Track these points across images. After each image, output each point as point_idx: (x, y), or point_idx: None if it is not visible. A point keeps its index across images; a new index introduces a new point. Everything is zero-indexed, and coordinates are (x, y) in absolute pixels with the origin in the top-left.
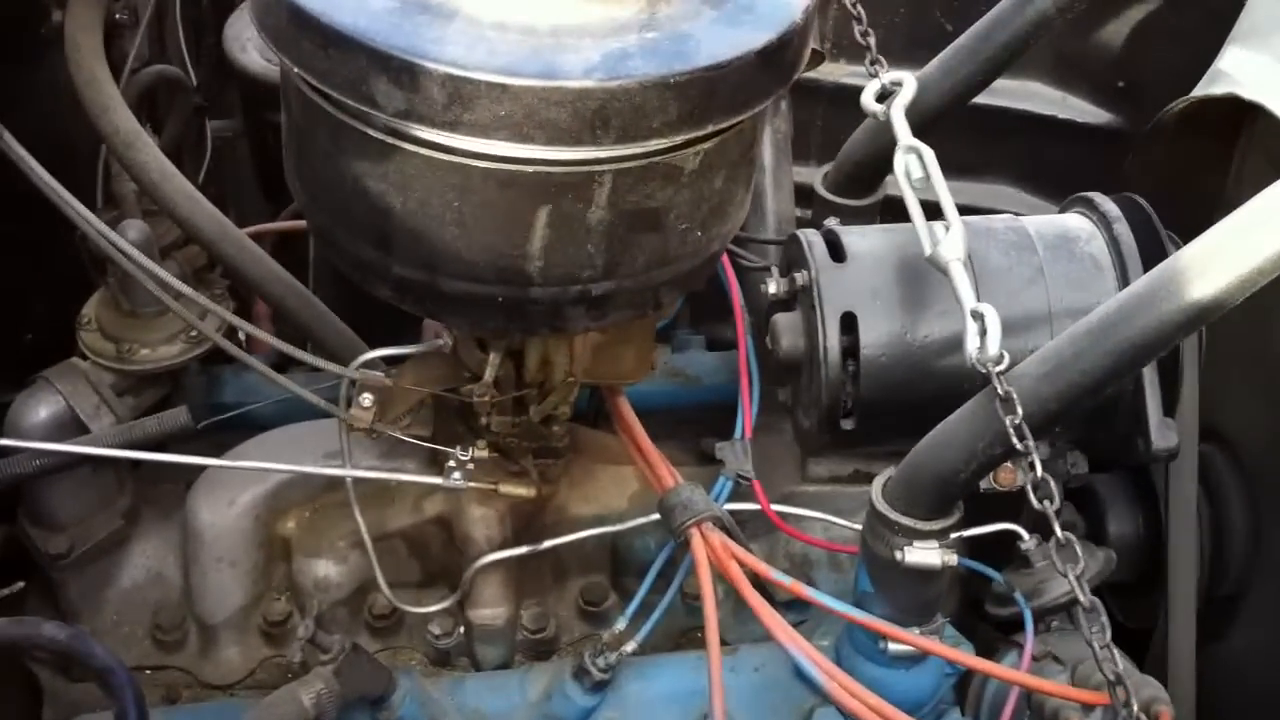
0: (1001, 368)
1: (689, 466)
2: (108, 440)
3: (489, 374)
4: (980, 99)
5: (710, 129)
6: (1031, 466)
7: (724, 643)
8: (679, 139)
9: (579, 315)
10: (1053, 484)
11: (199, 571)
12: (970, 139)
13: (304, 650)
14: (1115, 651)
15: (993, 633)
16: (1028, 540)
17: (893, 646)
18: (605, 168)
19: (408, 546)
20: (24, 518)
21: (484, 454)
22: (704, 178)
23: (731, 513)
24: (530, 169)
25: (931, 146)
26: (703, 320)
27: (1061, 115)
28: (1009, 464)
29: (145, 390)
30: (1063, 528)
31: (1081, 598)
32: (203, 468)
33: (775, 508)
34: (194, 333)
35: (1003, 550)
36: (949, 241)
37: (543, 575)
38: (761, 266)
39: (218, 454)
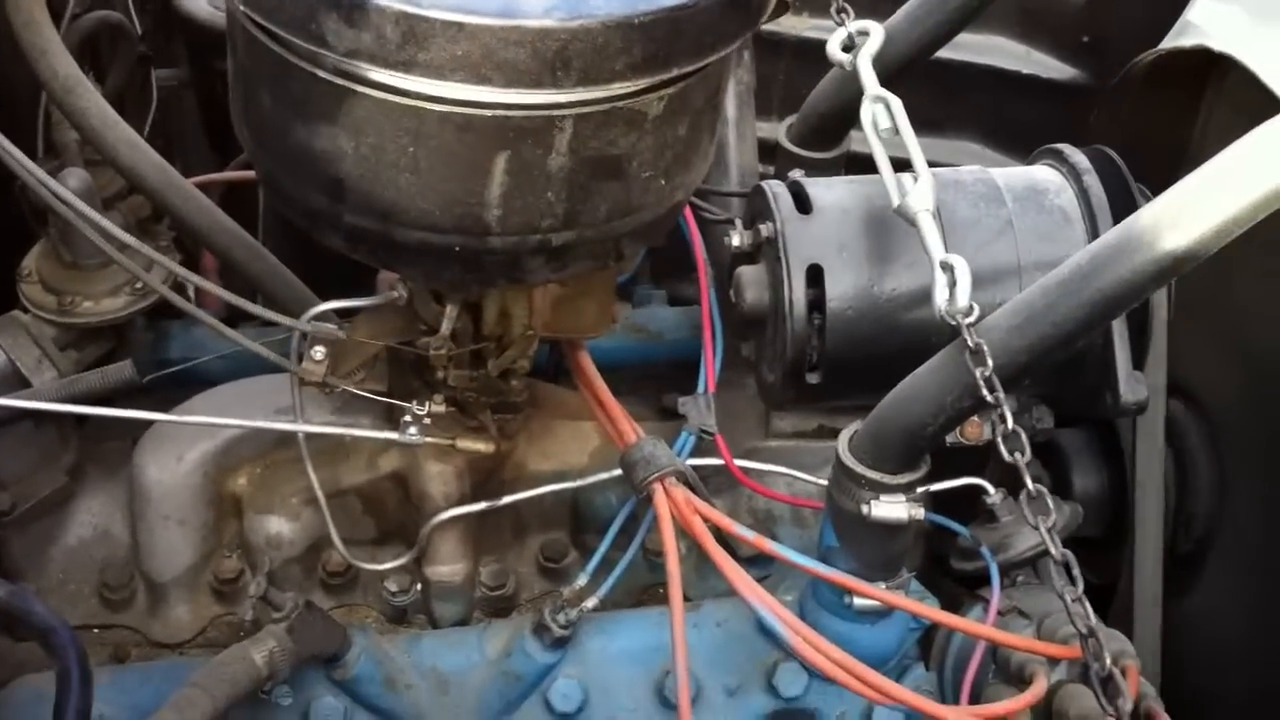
0: (971, 320)
1: (651, 422)
2: (49, 394)
3: (445, 327)
4: (944, 53)
5: (675, 73)
6: (1002, 419)
7: (686, 599)
8: (642, 83)
9: (538, 266)
10: (1023, 436)
11: (146, 529)
12: (934, 94)
13: (255, 608)
14: (1087, 605)
15: (958, 588)
16: (993, 494)
17: (858, 601)
18: (566, 112)
19: (363, 503)
20: None
21: (440, 409)
22: (668, 124)
23: (694, 468)
24: (488, 113)
25: (898, 98)
26: (665, 276)
27: (1025, 70)
28: (976, 418)
29: (89, 345)
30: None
31: (1053, 550)
32: (149, 423)
33: (738, 462)
34: (139, 285)
35: (967, 505)
36: (917, 192)
37: (502, 532)
38: (724, 220)
39: (166, 410)
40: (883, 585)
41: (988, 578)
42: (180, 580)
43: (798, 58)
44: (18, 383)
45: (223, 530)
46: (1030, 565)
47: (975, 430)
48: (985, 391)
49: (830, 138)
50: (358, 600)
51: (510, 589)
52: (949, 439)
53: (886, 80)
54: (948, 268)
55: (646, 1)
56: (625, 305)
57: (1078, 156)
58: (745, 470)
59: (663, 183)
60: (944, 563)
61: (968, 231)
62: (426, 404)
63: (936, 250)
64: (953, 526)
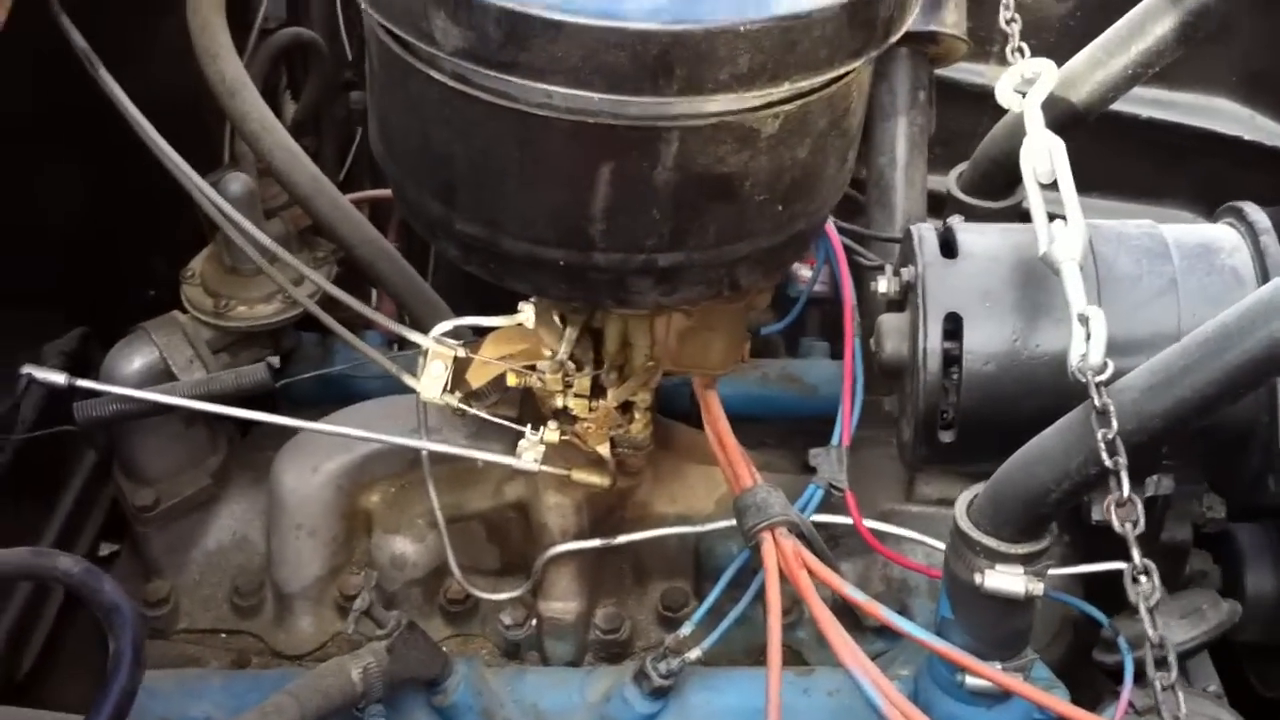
0: (1102, 378)
1: (786, 475)
2: (183, 390)
3: (563, 350)
4: (1159, 113)
5: (787, 88)
6: (1118, 484)
7: (802, 663)
8: (752, 96)
9: (646, 288)
10: (1139, 506)
11: (279, 538)
12: (1147, 157)
13: (358, 623)
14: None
15: (1109, 683)
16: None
17: (970, 680)
18: (672, 124)
19: (487, 531)
20: (117, 470)
21: (554, 436)
22: (785, 145)
23: (824, 526)
24: (591, 120)
25: (1084, 151)
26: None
27: (1249, 136)
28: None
29: (243, 350)
30: (1190, 578)
31: (1134, 557)
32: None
33: (868, 524)
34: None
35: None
36: (1065, 239)
37: (623, 576)
38: (879, 265)
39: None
40: (999, 665)
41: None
42: (307, 592)
43: (977, 106)
44: (168, 380)
45: (353, 546)
46: (1180, 664)
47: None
48: (1105, 455)
49: (1002, 186)
50: (475, 631)
51: (625, 634)
52: (1095, 517)
53: (1062, 125)
54: (1084, 320)
55: (757, 9)
56: (780, 359)
57: (1258, 215)
58: (877, 534)
59: (779, 208)
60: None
61: (1126, 288)
62: (541, 430)
63: (1076, 301)
64: (1090, 612)
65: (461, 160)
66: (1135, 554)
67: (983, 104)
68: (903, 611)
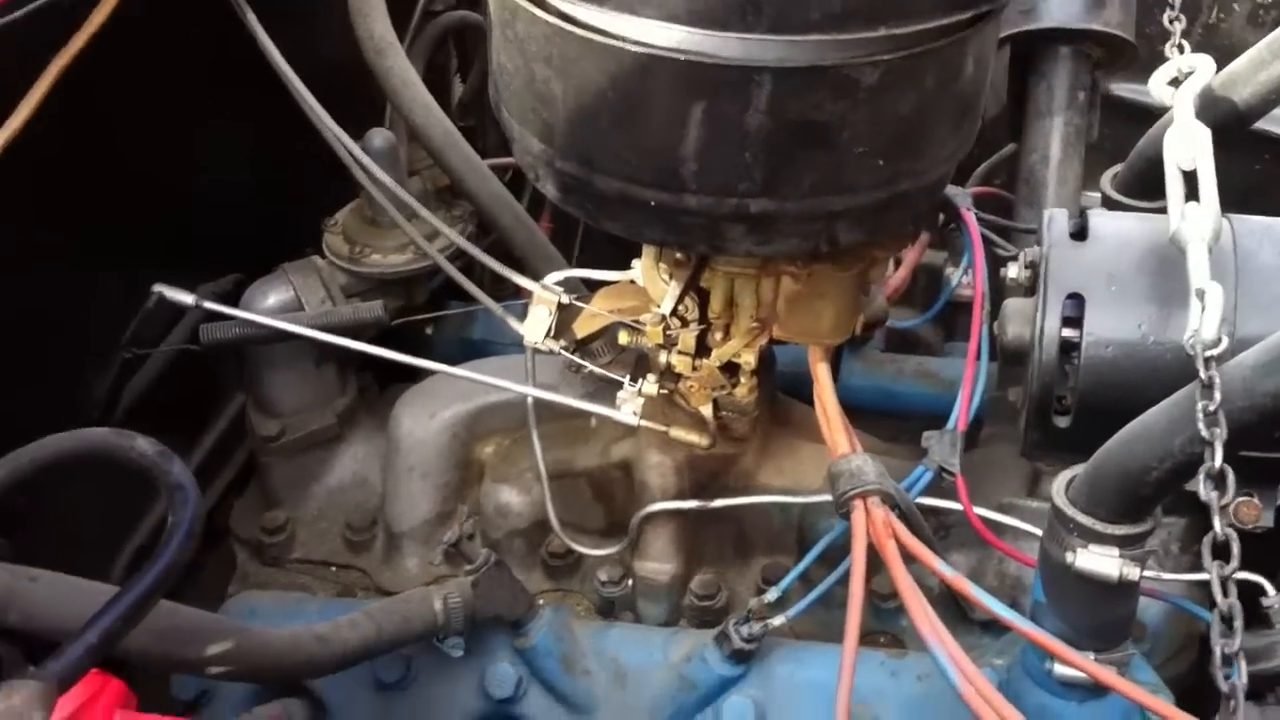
0: (1213, 352)
1: (903, 461)
2: (304, 320)
3: (666, 304)
4: None
5: (883, 33)
6: (1212, 455)
7: (898, 645)
8: (849, 40)
9: (739, 235)
10: (1230, 477)
11: (393, 477)
12: None
13: (446, 555)
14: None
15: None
16: (1272, 595)
17: (1058, 669)
18: (765, 64)
19: (593, 490)
20: (249, 401)
21: (653, 389)
22: (887, 97)
23: (934, 512)
24: (682, 58)
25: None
26: None
27: None
28: (1253, 498)
29: (375, 297)
30: None
31: (1215, 525)
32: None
33: (979, 511)
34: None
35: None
36: (1194, 218)
37: (724, 545)
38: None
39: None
40: (1091, 656)
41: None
42: (415, 533)
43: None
44: None
45: (465, 495)
46: None
47: (1251, 512)
48: (1203, 425)
49: (1158, 187)
50: (574, 587)
51: (720, 602)
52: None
53: (1223, 124)
54: (1201, 295)
55: None
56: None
57: None
58: (991, 525)
59: (880, 163)
60: None
61: (1265, 280)
62: (640, 382)
63: (1196, 278)
64: (1198, 613)
65: (559, 98)
66: (1217, 522)
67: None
68: (1014, 608)
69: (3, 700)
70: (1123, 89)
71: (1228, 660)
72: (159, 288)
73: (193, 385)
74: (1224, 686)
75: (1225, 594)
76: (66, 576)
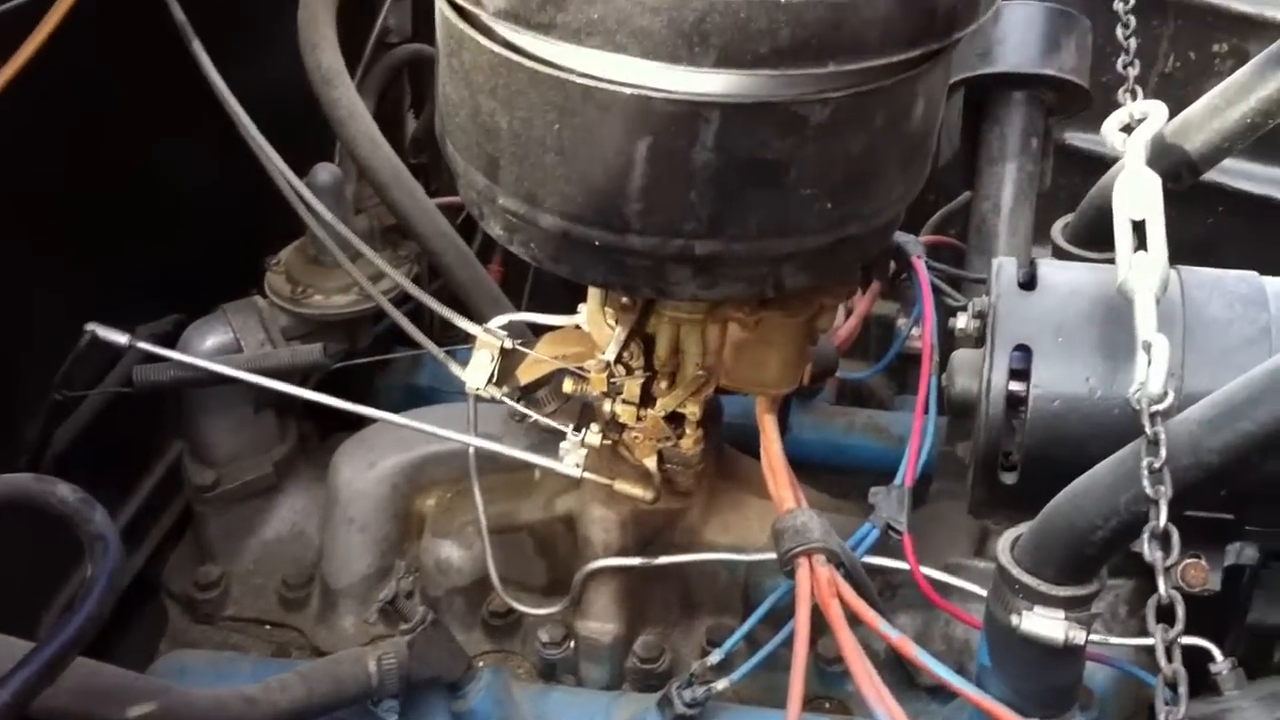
0: (1159, 407)
1: (850, 517)
2: (240, 363)
3: (611, 350)
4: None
5: (832, 69)
6: (1157, 514)
7: (844, 711)
8: (795, 74)
9: (684, 278)
10: (1174, 537)
11: (330, 530)
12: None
13: (381, 615)
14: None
15: None
16: (1220, 662)
17: None
18: (712, 99)
19: (535, 544)
20: (185, 450)
21: (595, 439)
22: (836, 136)
23: (880, 572)
24: (629, 91)
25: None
26: None
27: None
28: (1200, 559)
29: (316, 340)
30: None
31: (1160, 587)
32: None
33: (926, 571)
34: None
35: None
36: (1142, 268)
37: (669, 606)
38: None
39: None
40: None
41: None
42: (352, 590)
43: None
44: None
45: (404, 549)
46: None
47: (1198, 575)
48: (1147, 482)
49: (1108, 237)
50: (515, 648)
51: (664, 665)
52: (1165, 585)
53: (1175, 173)
54: (1147, 347)
55: None
56: (868, 410)
57: None
58: (938, 586)
59: (828, 205)
60: None
61: (1213, 332)
62: (583, 431)
63: (1143, 329)
64: (1143, 677)
65: (506, 131)
66: (1161, 584)
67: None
68: (960, 673)
69: None
70: (1077, 138)
71: None
72: (92, 326)
73: (128, 431)
74: None
75: (1170, 659)
76: None
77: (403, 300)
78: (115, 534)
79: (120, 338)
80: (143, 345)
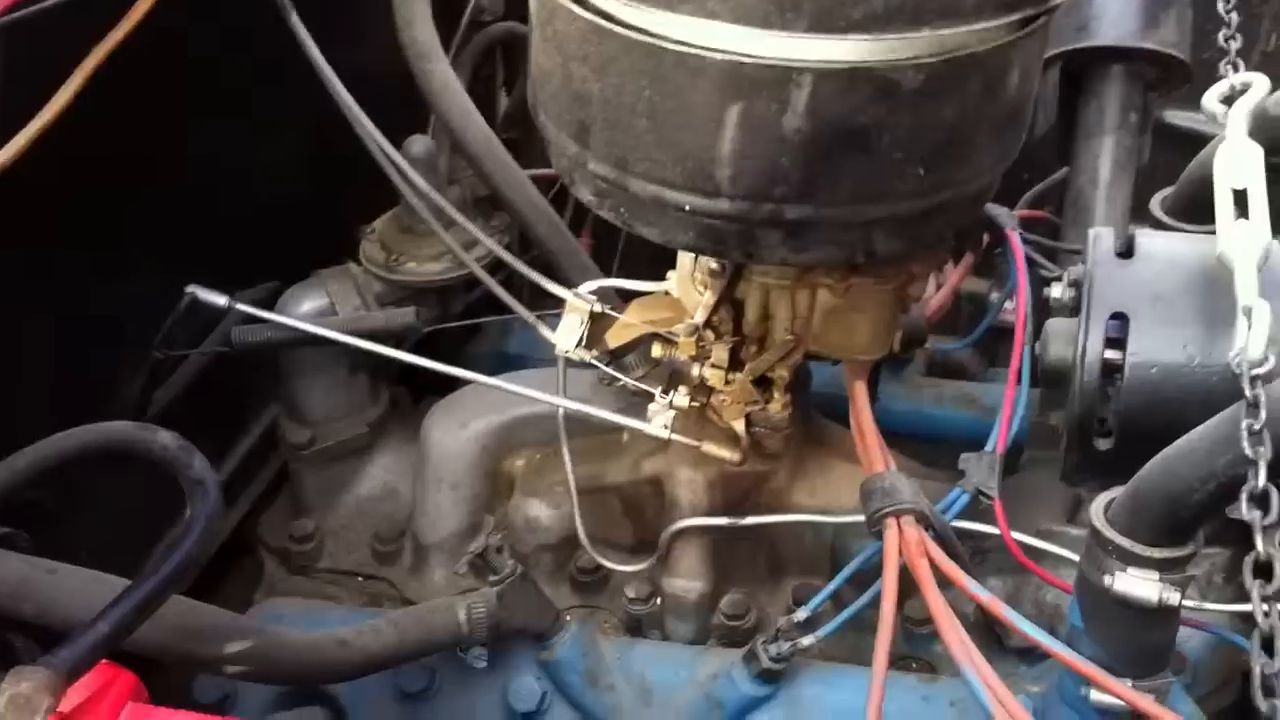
0: (1259, 371)
1: (935, 484)
2: (335, 325)
3: (700, 315)
4: None
5: (927, 34)
6: (1255, 475)
7: (931, 671)
8: (888, 39)
9: (774, 242)
10: (1274, 497)
11: (422, 488)
12: None
13: (471, 568)
14: None
15: None
16: None
17: (1093, 695)
18: (805, 65)
19: (622, 505)
20: (281, 410)
21: (684, 401)
22: (930, 103)
23: (970, 536)
24: (720, 57)
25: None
26: None
27: None
28: None
29: (410, 305)
30: None
31: (1257, 544)
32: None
33: (1016, 535)
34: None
35: None
36: (1243, 235)
37: (756, 565)
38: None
39: None
40: (1129, 683)
41: None
42: (443, 545)
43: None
44: None
45: (494, 508)
46: None
47: None
48: (1247, 445)
49: (1208, 210)
50: (602, 604)
51: (750, 623)
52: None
53: (1276, 145)
54: (1248, 312)
55: None
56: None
57: None
58: (1029, 550)
59: (921, 171)
60: None
61: None
62: (671, 394)
63: (1244, 295)
64: (1239, 642)
65: (597, 98)
66: (1259, 541)
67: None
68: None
69: (10, 686)
70: (1177, 116)
71: (1267, 682)
72: (192, 288)
73: (226, 393)
74: (1263, 707)
75: (1266, 614)
76: (86, 570)
77: (494, 270)
78: (215, 479)
79: (220, 299)
80: (242, 307)
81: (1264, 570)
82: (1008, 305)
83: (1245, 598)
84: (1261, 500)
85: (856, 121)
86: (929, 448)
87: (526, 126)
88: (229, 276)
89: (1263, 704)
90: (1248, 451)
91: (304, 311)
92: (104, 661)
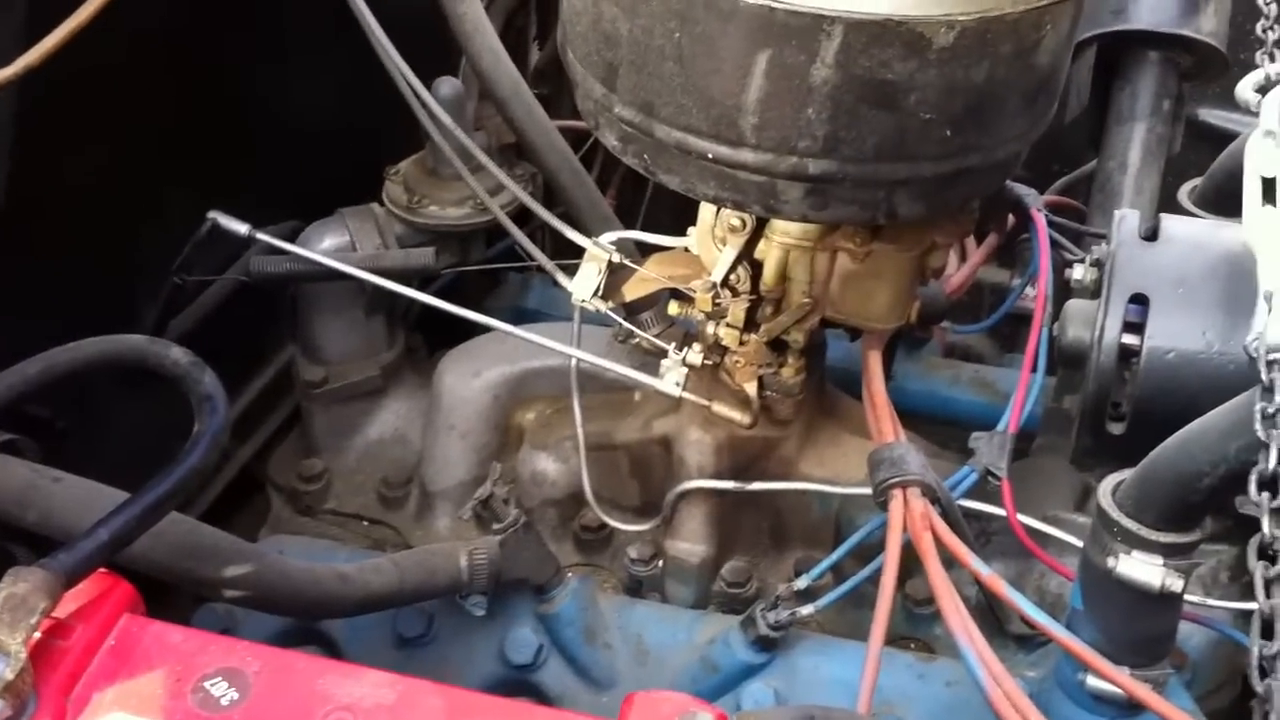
0: (1277, 356)
1: (945, 463)
2: (354, 261)
3: (718, 271)
4: None
5: None
6: (1267, 458)
7: (929, 652)
8: None
9: (796, 197)
10: None
11: (432, 434)
12: None
13: (475, 515)
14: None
15: None
16: None
17: (1090, 681)
18: (835, 14)
19: (630, 464)
20: (296, 348)
21: (697, 358)
22: (959, 63)
23: (976, 517)
24: (752, 2)
25: None
26: None
27: None
28: None
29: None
30: None
31: (1264, 527)
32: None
33: (1023, 518)
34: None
35: None
36: (1269, 221)
37: (760, 534)
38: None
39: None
40: (1128, 671)
41: None
42: (449, 493)
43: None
44: None
45: (502, 458)
46: None
47: None
48: (1260, 429)
49: (1237, 201)
50: (604, 563)
51: (750, 591)
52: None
53: None
54: (1269, 297)
55: None
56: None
57: None
58: (1034, 535)
59: (947, 133)
60: None
61: None
62: (684, 350)
63: (1266, 281)
64: (1239, 639)
65: (626, 39)
66: (1266, 524)
67: None
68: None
69: (8, 586)
70: (1212, 115)
71: (1266, 663)
72: (214, 214)
73: (243, 328)
74: (1259, 687)
75: (1269, 595)
76: (91, 482)
77: (516, 221)
78: (223, 395)
79: (240, 227)
80: (262, 236)
81: (1268, 552)
82: (1029, 291)
83: (1251, 596)
84: (1271, 484)
85: (884, 76)
86: (941, 429)
87: (558, 83)
88: (252, 213)
89: (1259, 684)
90: (1260, 434)
91: (324, 246)
92: (103, 571)
